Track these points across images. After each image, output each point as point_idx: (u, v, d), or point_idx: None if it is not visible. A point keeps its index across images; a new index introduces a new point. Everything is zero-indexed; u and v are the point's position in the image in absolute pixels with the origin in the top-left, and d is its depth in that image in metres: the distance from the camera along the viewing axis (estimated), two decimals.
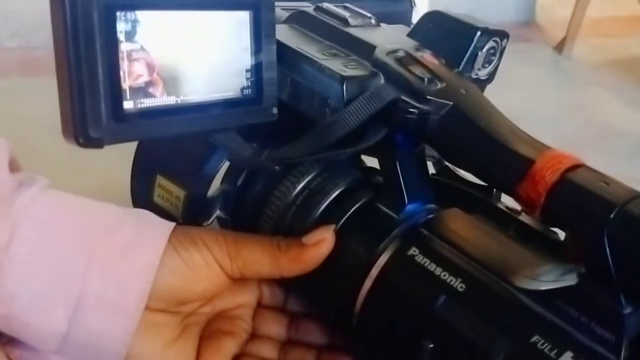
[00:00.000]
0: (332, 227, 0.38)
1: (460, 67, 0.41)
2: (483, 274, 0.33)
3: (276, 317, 0.42)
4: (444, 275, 0.33)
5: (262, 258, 0.38)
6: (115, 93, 0.31)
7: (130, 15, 0.31)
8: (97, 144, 0.31)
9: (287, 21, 0.43)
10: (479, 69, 0.43)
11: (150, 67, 0.33)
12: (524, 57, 1.46)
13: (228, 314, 0.41)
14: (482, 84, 0.44)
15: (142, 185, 0.46)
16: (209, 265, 0.37)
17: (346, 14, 0.42)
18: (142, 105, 0.33)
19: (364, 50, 0.39)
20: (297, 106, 0.38)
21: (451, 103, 0.35)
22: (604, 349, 0.28)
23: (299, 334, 0.41)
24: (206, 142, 0.38)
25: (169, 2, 0.33)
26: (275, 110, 0.38)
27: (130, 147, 1.10)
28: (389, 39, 0.41)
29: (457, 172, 0.43)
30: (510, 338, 0.30)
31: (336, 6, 0.42)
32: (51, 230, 0.34)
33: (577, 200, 0.30)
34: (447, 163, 0.43)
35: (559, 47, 1.71)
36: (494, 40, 0.43)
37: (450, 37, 0.42)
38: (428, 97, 0.35)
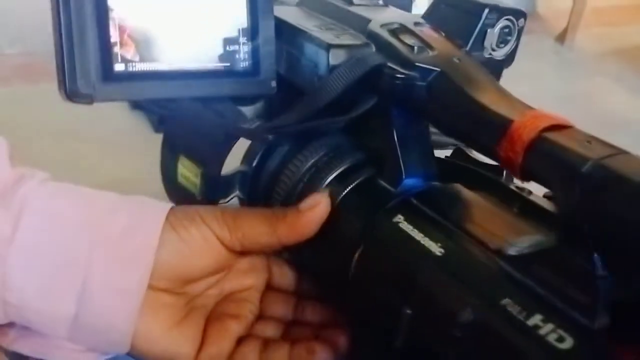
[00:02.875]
0: (327, 191, 0.38)
1: (469, 44, 0.41)
2: (463, 240, 0.33)
3: (283, 298, 0.42)
4: (424, 241, 0.33)
5: (260, 227, 0.38)
6: (106, 54, 0.33)
7: None
8: (86, 100, 0.33)
9: (298, 4, 0.45)
10: (493, 49, 0.43)
11: (143, 34, 0.35)
12: (525, 49, 1.45)
13: (235, 296, 0.41)
14: (498, 64, 0.44)
15: (169, 167, 0.47)
16: (207, 241, 0.37)
17: None
18: (133, 69, 0.35)
19: (359, 23, 0.39)
20: (292, 78, 0.39)
21: (438, 69, 0.35)
22: (577, 313, 0.27)
23: (304, 314, 0.42)
24: (220, 122, 0.40)
25: None
26: (273, 84, 0.38)
27: (133, 153, 1.10)
28: (388, 15, 0.41)
29: (470, 154, 0.43)
30: (481, 301, 0.29)
31: None
32: (53, 219, 0.35)
33: (552, 157, 0.29)
34: (460, 146, 0.43)
35: (561, 37, 1.71)
36: (507, 19, 0.42)
37: (460, 15, 0.42)
38: (415, 63, 0.36)
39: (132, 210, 0.37)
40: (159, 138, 1.32)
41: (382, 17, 0.40)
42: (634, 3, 2.01)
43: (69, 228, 0.35)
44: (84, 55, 0.33)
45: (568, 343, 0.26)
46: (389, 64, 0.36)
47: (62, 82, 0.33)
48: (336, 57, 0.37)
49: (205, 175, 0.43)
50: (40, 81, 1.40)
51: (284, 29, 0.39)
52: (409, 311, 0.32)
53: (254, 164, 0.44)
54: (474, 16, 0.41)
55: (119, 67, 0.34)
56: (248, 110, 0.42)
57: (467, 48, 0.41)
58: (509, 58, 0.44)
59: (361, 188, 0.39)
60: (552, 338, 0.26)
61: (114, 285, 0.35)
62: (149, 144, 1.12)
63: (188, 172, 0.45)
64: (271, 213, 0.39)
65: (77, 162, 1.04)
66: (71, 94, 0.33)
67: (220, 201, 0.44)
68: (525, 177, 0.31)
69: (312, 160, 0.41)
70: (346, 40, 0.38)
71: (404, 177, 0.37)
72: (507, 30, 0.43)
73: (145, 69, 0.35)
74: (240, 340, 0.39)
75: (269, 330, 0.41)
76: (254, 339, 0.39)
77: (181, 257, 0.37)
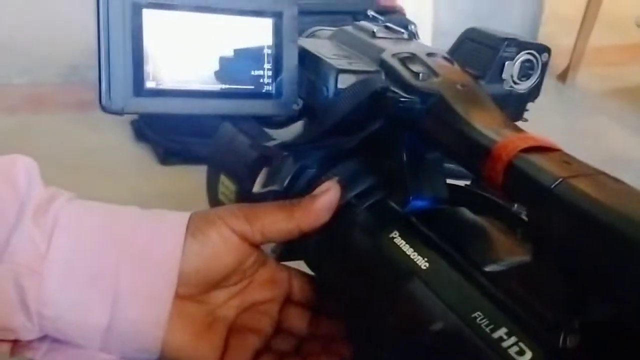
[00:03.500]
0: (336, 178, 0.41)
1: (487, 77, 0.43)
2: (450, 256, 0.34)
3: (301, 312, 0.44)
4: (413, 255, 0.35)
5: (278, 214, 0.40)
6: (138, 72, 0.37)
7: (156, 12, 0.37)
8: (117, 112, 0.36)
9: (330, 38, 0.48)
10: (515, 82, 0.44)
11: (174, 53, 0.38)
12: None
13: (256, 308, 0.43)
14: (521, 99, 0.45)
15: (212, 184, 0.51)
16: (226, 240, 0.39)
17: (375, 28, 0.46)
18: (162, 86, 0.38)
19: (375, 53, 0.42)
20: (309, 101, 0.42)
21: (438, 94, 0.37)
22: (543, 328, 0.28)
23: (318, 328, 0.43)
24: (270, 150, 0.43)
25: (195, 5, 0.38)
26: (295, 106, 0.41)
27: (138, 184, 1.11)
28: (405, 46, 0.43)
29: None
30: (453, 313, 0.31)
31: (373, 23, 0.47)
32: (81, 235, 0.37)
33: (526, 175, 0.30)
34: None
35: (562, 76, 1.73)
36: (528, 53, 0.43)
37: (481, 49, 0.44)
38: (417, 88, 0.38)
39: (154, 223, 0.39)
40: (163, 170, 1.34)
41: (397, 48, 0.42)
42: (635, 43, 2.04)
43: (96, 242, 0.37)
44: (118, 71, 0.36)
45: (527, 357, 0.27)
46: (393, 89, 0.39)
47: (98, 94, 0.36)
48: (344, 82, 0.40)
49: (238, 193, 0.46)
50: (47, 111, 1.41)
51: (306, 57, 0.42)
52: (392, 319, 0.34)
53: (285, 184, 0.46)
54: (493, 49, 0.43)
55: (149, 84, 0.37)
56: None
57: (485, 80, 0.43)
58: (534, 92, 0.45)
59: (373, 208, 0.41)
60: (512, 351, 0.28)
61: (142, 294, 0.37)
62: (154, 176, 1.13)
63: (226, 190, 0.49)
64: (287, 202, 0.41)
65: (82, 193, 1.04)
66: (104, 106, 0.36)
67: None
68: (506, 197, 0.32)
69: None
70: (356, 66, 0.41)
71: (410, 198, 0.39)
72: (528, 64, 0.44)
73: (173, 87, 0.38)
74: (258, 353, 0.41)
75: (285, 344, 0.42)
76: (270, 354, 0.41)
77: (202, 260, 0.39)
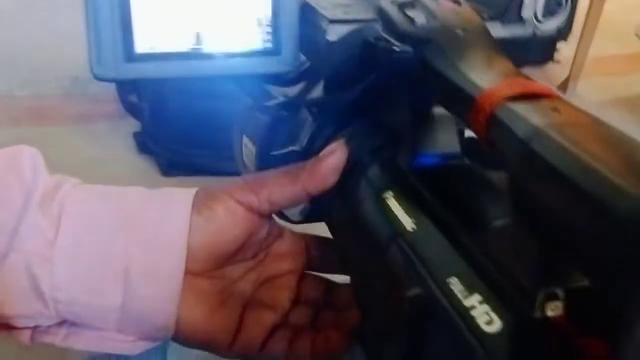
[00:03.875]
0: (343, 139, 0.40)
1: (505, 17, 0.39)
2: (440, 217, 0.33)
3: (318, 282, 0.44)
4: (402, 216, 0.34)
5: (283, 180, 0.40)
6: (128, 36, 0.36)
7: None
8: (109, 79, 0.36)
9: None
10: (539, 21, 0.40)
11: (166, 16, 0.37)
12: None
13: (274, 283, 0.43)
14: (548, 40, 0.42)
15: (236, 147, 0.50)
16: (233, 214, 0.39)
17: None
18: (155, 50, 0.37)
19: (374, 1, 0.40)
20: (305, 54, 0.41)
21: (434, 40, 0.34)
22: (518, 297, 0.26)
23: (334, 297, 0.43)
24: (269, 112, 0.42)
25: None
26: (296, 62, 0.40)
27: (141, 174, 1.10)
28: None
29: None
30: (430, 278, 0.30)
31: None
32: (88, 219, 0.38)
33: (505, 127, 0.26)
34: None
35: (563, 86, 1.73)
36: None
37: None
38: (411, 35, 0.35)
39: (160, 202, 0.39)
40: (166, 182, 1.34)
41: None
42: (635, 52, 2.04)
43: (104, 225, 0.38)
44: (107, 38, 0.35)
45: (495, 327, 0.26)
46: (387, 37, 0.36)
47: (89, 62, 0.36)
48: (336, 32, 0.38)
49: (258, 153, 0.45)
50: (49, 124, 1.41)
51: (305, 10, 0.40)
52: (379, 283, 0.33)
53: (304, 144, 0.45)
54: None
55: (141, 48, 0.36)
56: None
57: (503, 21, 0.39)
58: (562, 32, 0.41)
59: (381, 166, 0.39)
60: (482, 320, 0.26)
61: (152, 272, 0.37)
62: (155, 187, 1.12)
63: (249, 152, 0.48)
64: (293, 167, 0.41)
65: None
66: (96, 73, 0.36)
67: None
68: (491, 150, 0.29)
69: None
70: (351, 16, 0.39)
71: (417, 155, 0.37)
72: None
73: (167, 50, 0.37)
74: (274, 328, 0.41)
75: (302, 317, 0.43)
76: (285, 329, 0.41)
77: (209, 235, 0.39)
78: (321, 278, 0.44)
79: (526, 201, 0.25)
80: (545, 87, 0.28)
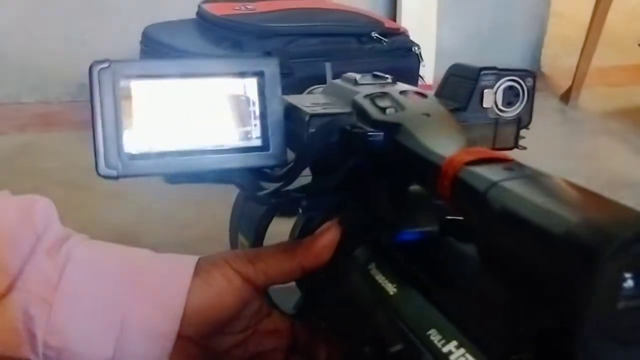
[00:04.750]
0: (336, 219, 0.43)
1: (469, 107, 0.44)
2: (418, 280, 0.36)
3: None
4: (384, 284, 0.37)
5: (281, 255, 0.42)
6: (130, 139, 0.39)
7: (144, 82, 0.40)
8: (111, 178, 0.39)
9: (322, 92, 0.50)
10: (500, 110, 0.45)
11: (163, 117, 0.40)
12: None
13: (260, 358, 0.44)
14: (512, 126, 0.46)
15: (233, 242, 0.55)
16: (229, 281, 0.40)
17: (357, 76, 0.47)
18: (154, 149, 0.40)
19: (350, 97, 0.44)
20: (291, 148, 0.44)
21: (401, 124, 0.38)
22: (492, 341, 0.29)
23: None
24: (259, 201, 0.46)
25: (177, 73, 0.41)
26: (283, 156, 0.43)
27: (143, 203, 1.11)
28: (381, 88, 0.45)
29: None
30: (412, 332, 0.32)
31: (360, 74, 0.47)
32: (94, 269, 0.39)
33: (466, 186, 0.29)
34: None
35: (565, 96, 1.74)
36: (510, 80, 0.44)
37: (463, 82, 0.45)
38: (382, 122, 0.39)
39: (165, 263, 0.41)
40: (169, 188, 1.35)
41: (372, 89, 0.44)
42: (638, 63, 2.05)
43: (108, 277, 0.39)
44: (112, 139, 0.38)
45: None
46: (362, 125, 0.40)
47: (95, 163, 0.39)
48: (315, 125, 0.41)
49: (252, 247, 0.49)
50: (56, 130, 1.43)
51: (290, 110, 0.44)
52: (367, 349, 0.35)
53: (296, 235, 0.48)
54: (471, 80, 0.44)
55: (144, 148, 0.39)
56: None
57: (467, 111, 0.44)
58: (524, 118, 0.46)
59: (365, 245, 0.42)
60: None
61: (147, 330, 0.38)
62: (161, 195, 1.13)
63: (242, 247, 0.52)
64: (289, 243, 0.43)
65: (88, 211, 1.06)
66: (101, 172, 0.39)
67: None
68: (456, 212, 0.33)
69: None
70: (329, 110, 0.42)
71: (398, 233, 0.40)
72: (512, 91, 0.45)
73: (165, 149, 0.40)
74: None
75: None
76: None
77: (206, 299, 0.40)
78: (309, 358, 0.45)
79: (487, 248, 0.28)
80: (501, 153, 0.32)
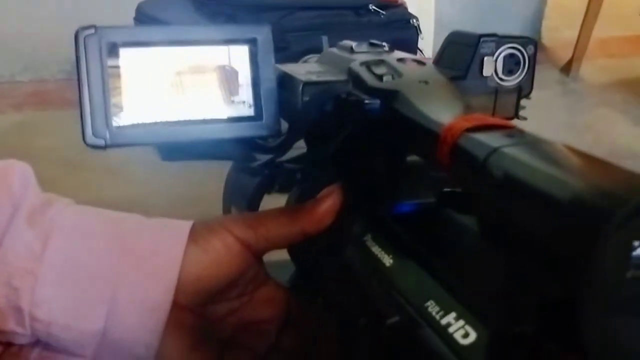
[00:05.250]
0: (338, 183, 0.42)
1: (468, 75, 0.43)
2: (415, 251, 0.35)
3: (296, 335, 0.44)
4: (380, 255, 0.36)
5: (282, 219, 0.41)
6: (118, 107, 0.38)
7: (132, 49, 0.39)
8: (100, 147, 0.38)
9: (317, 60, 0.49)
10: (500, 79, 0.43)
11: (152, 86, 0.39)
12: None
13: (253, 327, 0.43)
14: (512, 95, 0.44)
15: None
16: (228, 248, 0.39)
17: (353, 44, 0.46)
18: (142, 120, 0.39)
19: (345, 64, 0.43)
20: (284, 118, 0.43)
21: (397, 91, 0.37)
22: (492, 311, 0.28)
23: (315, 347, 0.43)
24: (252, 172, 0.45)
25: (167, 40, 0.39)
26: (277, 127, 0.42)
27: (140, 181, 1.11)
28: (377, 56, 0.44)
29: None
30: (409, 304, 0.31)
31: (356, 42, 0.46)
32: (81, 237, 0.37)
33: (466, 153, 0.28)
34: None
35: (566, 68, 1.72)
36: (511, 47, 0.43)
37: (462, 49, 0.43)
38: (379, 89, 0.38)
39: (157, 229, 0.39)
40: (166, 166, 1.34)
41: (369, 57, 0.43)
42: (639, 34, 2.03)
43: (96, 245, 0.37)
44: (99, 108, 0.37)
45: (471, 338, 0.27)
46: (357, 93, 0.39)
47: (81, 132, 0.38)
48: (309, 93, 0.40)
49: None
50: (52, 108, 1.41)
51: (283, 79, 0.43)
52: (362, 321, 0.34)
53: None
54: (471, 47, 0.43)
55: (132, 118, 0.38)
56: None
57: (467, 79, 0.43)
58: (525, 87, 0.45)
59: (362, 217, 0.41)
60: (458, 334, 0.28)
61: (141, 299, 0.36)
62: (158, 173, 1.13)
63: None
64: (290, 207, 0.42)
65: (85, 190, 1.05)
66: (88, 142, 0.37)
67: None
68: (456, 180, 0.32)
69: None
70: (323, 78, 0.41)
71: (394, 204, 0.39)
72: (512, 58, 0.43)
73: (154, 118, 0.39)
74: None
75: None
76: None
77: (203, 268, 0.38)
78: (302, 332, 0.44)
79: (488, 216, 0.27)
80: (502, 120, 0.31)
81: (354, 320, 0.35)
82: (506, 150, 0.26)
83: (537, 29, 2.02)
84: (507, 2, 1.97)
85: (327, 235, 0.41)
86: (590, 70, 1.74)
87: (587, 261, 0.21)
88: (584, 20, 1.67)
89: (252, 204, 0.49)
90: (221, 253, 0.39)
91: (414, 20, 1.27)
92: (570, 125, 1.39)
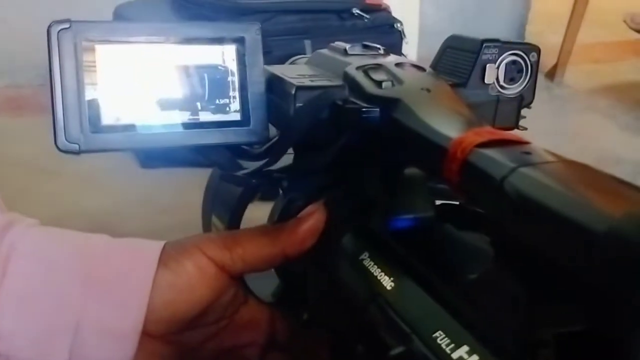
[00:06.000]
0: (321, 201, 0.39)
1: (469, 83, 0.41)
2: (418, 273, 0.32)
3: (282, 357, 0.41)
4: (380, 276, 0.33)
5: (261, 239, 0.38)
6: (95, 109, 0.35)
7: (109, 46, 0.36)
8: (73, 151, 0.35)
9: (306, 62, 0.46)
10: (502, 87, 0.42)
11: (133, 87, 0.36)
12: None
13: (235, 353, 0.40)
14: (513, 104, 0.43)
15: (206, 226, 0.50)
16: (202, 271, 0.36)
17: (347, 46, 0.43)
18: (121, 122, 0.36)
19: (340, 68, 0.40)
20: (275, 124, 0.40)
21: (399, 99, 0.35)
22: (510, 343, 0.25)
23: None
24: (238, 181, 0.42)
25: (148, 37, 0.37)
26: (266, 133, 0.39)
27: (119, 189, 1.08)
28: (374, 60, 0.41)
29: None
30: (415, 334, 0.29)
31: (350, 44, 0.44)
32: (42, 263, 0.34)
33: (479, 171, 0.26)
34: None
35: (551, 73, 1.72)
36: (513, 54, 0.41)
37: (462, 55, 0.42)
38: (378, 96, 0.36)
39: (125, 252, 0.36)
40: (145, 174, 1.31)
41: (365, 61, 0.40)
42: (623, 40, 2.03)
43: (60, 271, 0.34)
44: (73, 109, 0.35)
45: None
46: (355, 100, 0.37)
47: (53, 134, 0.35)
48: (304, 98, 0.38)
49: (228, 229, 0.45)
50: (27, 115, 1.38)
51: (273, 81, 0.40)
52: (359, 347, 0.32)
53: (275, 219, 0.45)
54: (472, 53, 0.41)
55: (108, 120, 0.36)
56: None
57: (467, 87, 0.41)
58: (527, 96, 0.43)
59: (354, 233, 0.38)
60: None
61: (108, 329, 0.34)
62: (136, 181, 1.10)
63: (217, 230, 0.48)
64: (270, 226, 0.39)
65: (60, 199, 1.02)
66: (60, 146, 0.35)
67: None
68: (465, 198, 0.29)
69: None
70: (318, 83, 0.39)
71: (390, 219, 0.37)
72: (515, 66, 0.42)
73: (134, 121, 0.36)
74: None
75: None
76: None
77: (174, 292, 0.36)
78: (288, 353, 0.41)
79: (505, 241, 0.25)
80: (514, 135, 0.29)
81: (349, 346, 0.33)
82: (525, 170, 0.24)
83: (521, 34, 2.02)
84: (492, 7, 1.96)
85: (317, 248, 0.39)
86: (575, 75, 1.74)
87: (631, 297, 0.19)
88: (568, 26, 1.67)
89: (235, 214, 0.46)
90: (194, 276, 0.36)
91: (398, 25, 1.25)
92: (557, 131, 1.38)
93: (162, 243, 0.37)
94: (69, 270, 0.34)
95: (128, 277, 0.35)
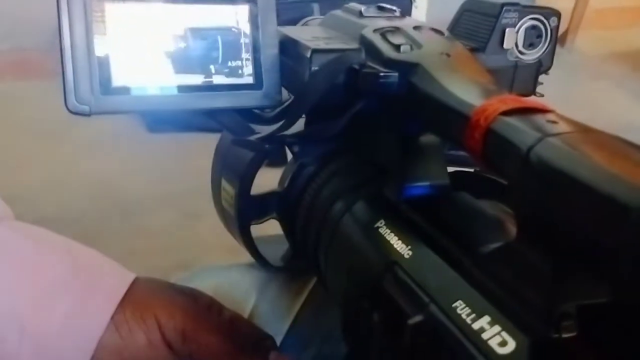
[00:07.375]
0: (287, 356, 0.38)
1: (487, 48, 0.40)
2: (436, 241, 0.32)
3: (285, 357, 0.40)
4: (397, 244, 0.33)
5: (219, 348, 0.36)
6: (105, 70, 0.35)
7: (120, 4, 0.35)
8: (83, 113, 0.35)
9: (320, 24, 0.45)
10: (520, 52, 0.41)
11: (144, 48, 0.35)
12: None
13: None
14: (531, 70, 0.42)
15: (215, 190, 0.49)
16: (153, 347, 0.35)
17: (362, 7, 0.42)
18: (132, 84, 0.35)
19: (356, 30, 0.39)
20: (288, 88, 0.40)
21: (418, 63, 0.34)
22: (532, 315, 0.25)
23: None
24: (250, 146, 0.41)
25: None
26: (278, 97, 0.39)
27: (127, 151, 1.08)
28: (391, 22, 0.40)
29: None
30: (434, 303, 0.29)
31: (365, 5, 0.43)
32: None
33: (503, 139, 0.26)
34: None
35: (561, 39, 1.69)
36: (533, 19, 0.40)
37: (481, 18, 0.41)
38: (396, 60, 0.35)
39: (79, 292, 0.33)
40: (152, 138, 1.31)
41: (382, 24, 0.40)
42: (637, 5, 2.00)
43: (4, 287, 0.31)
44: (83, 70, 0.34)
45: (509, 348, 0.24)
46: (372, 64, 0.36)
47: (63, 95, 0.34)
48: (319, 61, 0.37)
49: (237, 196, 0.44)
50: (32, 77, 1.37)
51: (286, 43, 0.39)
52: (375, 317, 0.32)
53: (285, 184, 0.45)
54: (492, 17, 0.40)
55: (118, 81, 0.35)
56: None
57: (485, 52, 0.40)
58: (545, 61, 0.42)
59: (367, 200, 0.38)
60: (494, 341, 0.25)
61: None
62: (143, 145, 1.10)
63: (227, 195, 0.47)
64: (236, 340, 0.36)
65: (65, 164, 1.02)
66: (70, 107, 0.34)
67: (254, 222, 0.45)
68: (488, 167, 0.29)
69: (327, 179, 0.41)
70: (333, 46, 0.38)
71: (405, 186, 0.37)
72: (534, 30, 0.41)
73: (145, 83, 0.35)
74: None
75: None
76: None
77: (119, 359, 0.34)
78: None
79: (531, 212, 0.25)
80: (539, 102, 0.28)
81: (364, 313, 0.33)
82: (552, 140, 0.24)
83: (532, 0, 1.99)
84: None
85: (328, 216, 0.38)
86: (586, 41, 1.71)
87: None
88: None
89: (245, 179, 0.45)
90: (143, 351, 0.34)
91: None
92: (566, 98, 1.37)
93: (122, 292, 0.34)
94: (6, 313, 0.31)
95: (73, 329, 0.32)
